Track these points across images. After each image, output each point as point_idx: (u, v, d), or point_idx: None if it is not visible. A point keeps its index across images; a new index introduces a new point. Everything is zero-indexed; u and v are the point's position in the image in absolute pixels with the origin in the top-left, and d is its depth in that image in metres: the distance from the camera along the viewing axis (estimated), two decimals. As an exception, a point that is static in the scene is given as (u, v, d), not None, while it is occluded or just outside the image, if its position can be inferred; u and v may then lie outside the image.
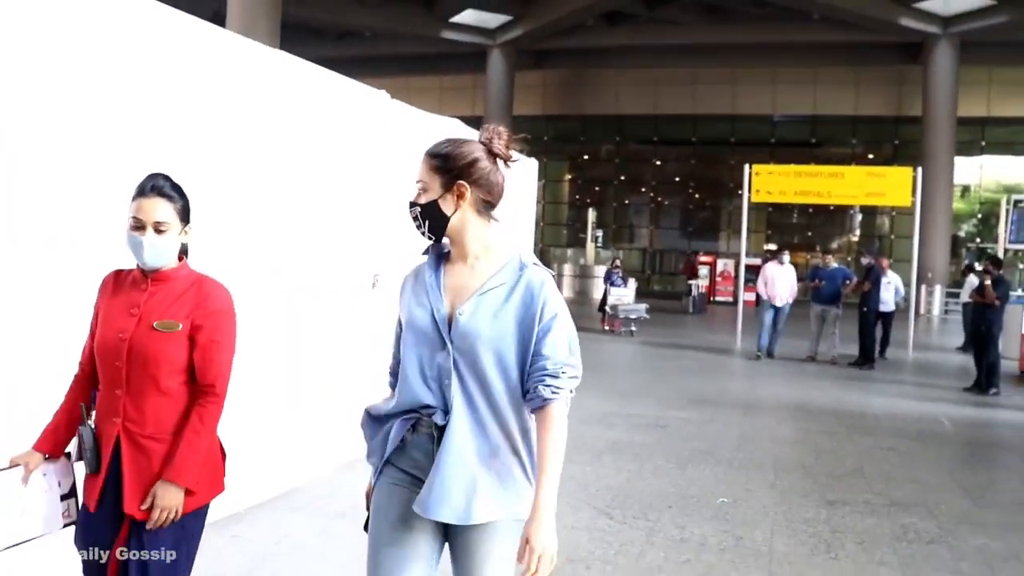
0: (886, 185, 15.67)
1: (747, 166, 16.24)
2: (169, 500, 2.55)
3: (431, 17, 34.43)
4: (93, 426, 2.66)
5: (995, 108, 34.71)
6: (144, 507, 2.56)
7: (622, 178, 41.93)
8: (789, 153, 38.79)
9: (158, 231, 2.59)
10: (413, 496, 2.23)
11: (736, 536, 5.00)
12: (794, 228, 39.85)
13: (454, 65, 38.36)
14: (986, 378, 11.21)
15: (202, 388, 2.65)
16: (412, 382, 2.25)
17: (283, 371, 5.23)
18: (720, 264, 31.84)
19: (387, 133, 6.23)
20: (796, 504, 5.75)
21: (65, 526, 2.72)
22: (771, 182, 16.19)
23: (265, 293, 4.99)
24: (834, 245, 39.34)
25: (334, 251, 5.78)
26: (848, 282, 14.08)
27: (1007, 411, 10.17)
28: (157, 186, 2.62)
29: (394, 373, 2.40)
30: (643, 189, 41.60)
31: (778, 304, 14.34)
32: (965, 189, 38.62)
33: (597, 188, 42.98)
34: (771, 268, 14.64)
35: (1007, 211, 24.50)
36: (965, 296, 16.17)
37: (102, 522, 2.60)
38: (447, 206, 2.26)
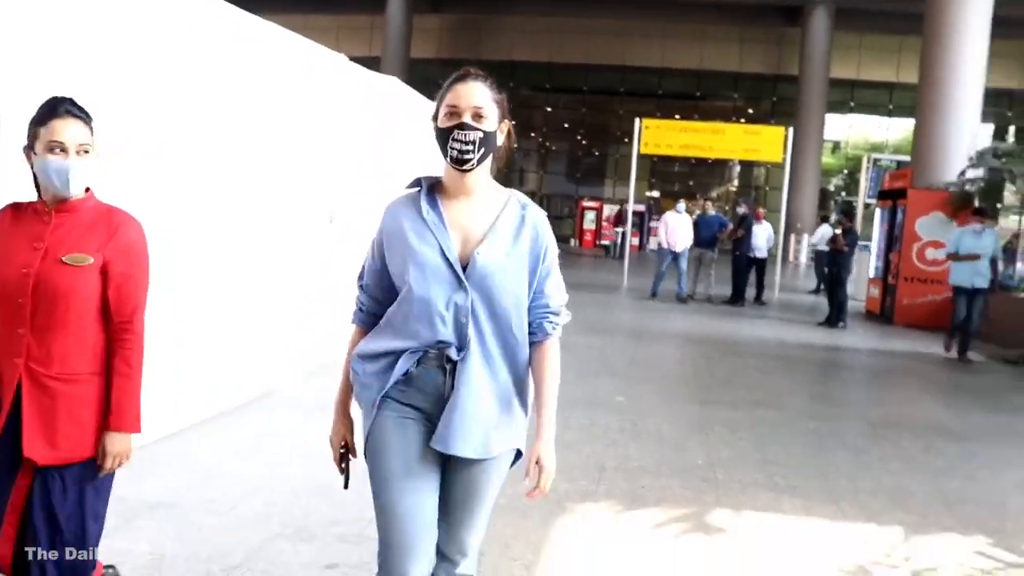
0: (761, 142, 17.41)
1: (637, 120, 17.68)
2: (119, 447, 2.52)
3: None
4: None
5: (864, 72, 37.25)
6: (103, 467, 2.53)
7: (513, 123, 42.99)
8: (675, 105, 40.86)
9: (81, 153, 2.46)
10: (423, 429, 2.26)
11: (632, 423, 6.39)
12: (676, 176, 41.97)
13: (353, 5, 38.52)
14: (836, 314, 13.06)
15: (119, 325, 2.54)
16: (425, 319, 2.22)
17: (253, 292, 6.24)
18: (606, 209, 33.62)
19: (339, 87, 7.30)
20: (678, 403, 7.21)
21: None
22: (659, 135, 17.68)
23: (237, 228, 5.90)
24: (713, 194, 41.78)
25: (297, 191, 6.81)
26: (724, 229, 15.75)
27: (850, 339, 12.04)
28: (70, 108, 2.48)
29: (370, 311, 2.40)
30: (533, 135, 42.77)
31: (677, 250, 15.21)
32: (836, 145, 41.46)
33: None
34: (671, 217, 15.48)
35: (867, 168, 26.86)
36: (820, 244, 18.05)
37: (1, 462, 2.47)
38: (499, 139, 2.30)
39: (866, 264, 15.60)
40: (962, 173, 14.39)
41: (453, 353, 2.22)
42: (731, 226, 16.14)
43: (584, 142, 43.16)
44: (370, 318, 2.38)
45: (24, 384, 2.43)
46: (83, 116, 2.48)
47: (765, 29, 37.07)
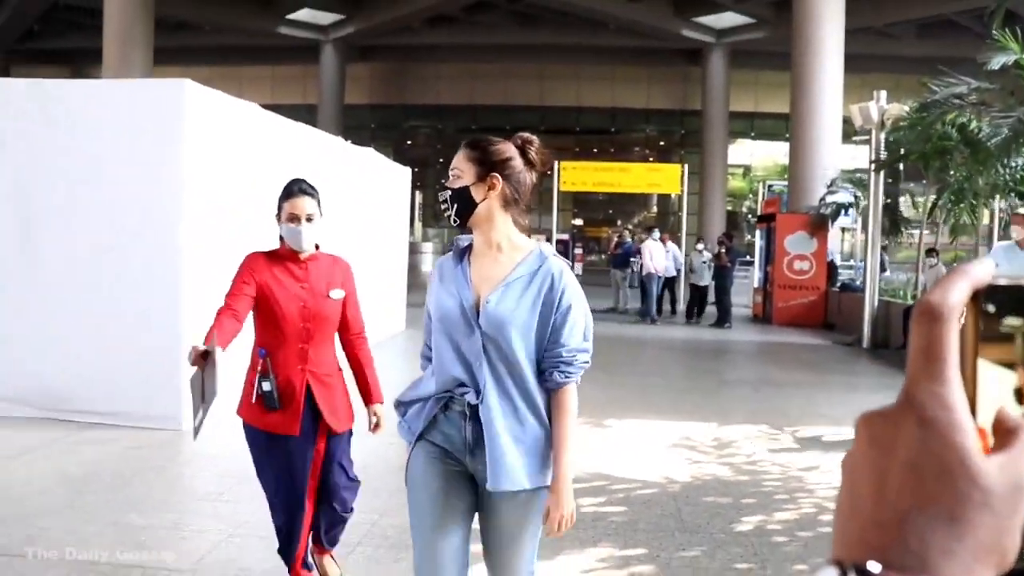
0: (661, 177, 20.64)
1: (555, 163, 20.65)
2: (381, 412, 3.48)
3: (268, 14, 37.11)
4: (274, 377, 3.28)
5: (761, 104, 41.09)
6: (374, 430, 3.54)
7: (441, 161, 45.91)
8: (591, 140, 44.36)
9: (309, 220, 3.27)
10: (447, 467, 2.42)
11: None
12: (599, 206, 45.19)
13: (287, 56, 40.93)
14: (722, 317, 16.12)
15: (356, 335, 3.51)
16: (446, 365, 2.40)
17: None
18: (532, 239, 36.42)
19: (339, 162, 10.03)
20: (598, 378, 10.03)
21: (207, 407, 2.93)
22: (575, 175, 20.74)
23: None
24: (636, 220, 45.27)
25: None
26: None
27: (732, 335, 15.12)
28: (303, 187, 3.31)
29: (427, 358, 2.57)
30: (464, 172, 45.47)
31: (662, 275, 16.82)
32: (747, 170, 45.25)
33: (417, 170, 46.71)
34: (651, 245, 16.95)
35: (762, 193, 30.44)
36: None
37: (301, 443, 3.33)
38: (477, 194, 2.39)
39: (751, 278, 18.83)
40: (822, 199, 17.68)
41: (472, 397, 2.35)
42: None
43: (510, 177, 46.01)
44: (428, 363, 2.57)
45: (311, 382, 3.32)
46: (311, 192, 3.34)
47: (670, 69, 40.72)
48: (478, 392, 2.34)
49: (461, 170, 2.41)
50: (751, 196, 44.88)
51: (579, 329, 2.39)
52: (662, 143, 44.92)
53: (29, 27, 40.21)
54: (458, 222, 2.41)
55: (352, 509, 3.62)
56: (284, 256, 3.32)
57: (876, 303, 13.67)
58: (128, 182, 6.52)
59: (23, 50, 41.68)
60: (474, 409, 2.34)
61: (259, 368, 3.25)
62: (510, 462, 2.31)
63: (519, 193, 2.43)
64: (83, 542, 4.05)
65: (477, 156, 2.41)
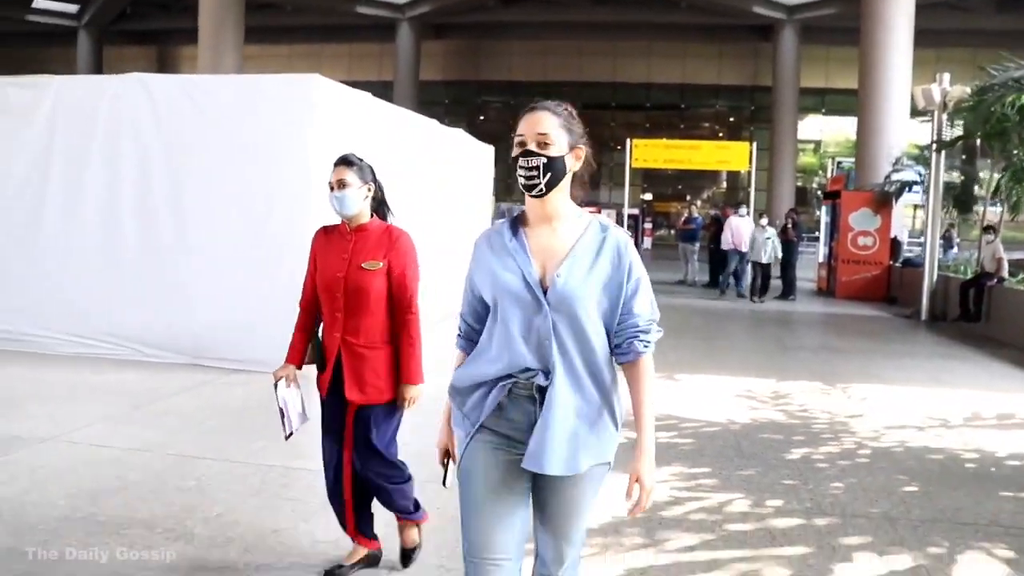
0: (730, 155, 21.34)
1: (628, 140, 21.50)
2: (412, 393, 3.41)
3: (349, -7, 38.41)
4: (320, 339, 3.48)
5: (832, 80, 41.10)
6: (403, 408, 3.44)
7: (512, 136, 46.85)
8: (661, 116, 44.87)
9: (342, 187, 3.35)
10: (511, 458, 2.31)
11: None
12: (668, 181, 45.71)
13: (364, 35, 42.24)
14: (787, 289, 16.82)
15: (401, 308, 3.40)
16: (510, 345, 2.28)
17: None
18: (603, 213, 37.33)
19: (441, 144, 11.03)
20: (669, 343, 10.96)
21: (305, 421, 3.56)
22: (646, 152, 21.57)
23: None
24: (705, 196, 45.75)
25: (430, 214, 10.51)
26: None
27: (797, 307, 15.84)
28: (342, 157, 3.46)
29: (467, 337, 2.49)
30: (535, 147, 46.48)
31: (743, 250, 16.66)
32: (817, 145, 45.35)
33: (492, 146, 47.77)
34: (735, 220, 16.98)
35: (832, 169, 30.80)
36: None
37: (333, 405, 3.43)
38: (570, 164, 2.29)
39: (817, 253, 19.46)
40: (887, 176, 18.20)
41: (541, 379, 2.25)
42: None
43: (582, 154, 46.84)
44: (469, 344, 2.47)
45: (342, 350, 3.37)
46: (349, 161, 3.44)
47: (741, 45, 40.97)
48: (547, 373, 2.25)
49: (552, 137, 2.27)
50: (821, 172, 45.04)
51: (649, 298, 2.35)
52: (732, 119, 45.23)
53: (122, 10, 42.09)
54: (543, 192, 2.27)
55: (388, 479, 3.49)
56: (339, 227, 3.50)
57: (935, 278, 14.27)
58: (265, 163, 7.62)
59: (115, 31, 43.61)
60: (543, 391, 2.26)
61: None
62: (571, 446, 2.25)
63: (588, 166, 2.39)
64: (260, 451, 5.16)
65: (566, 124, 2.31)
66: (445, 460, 2.54)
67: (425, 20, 40.49)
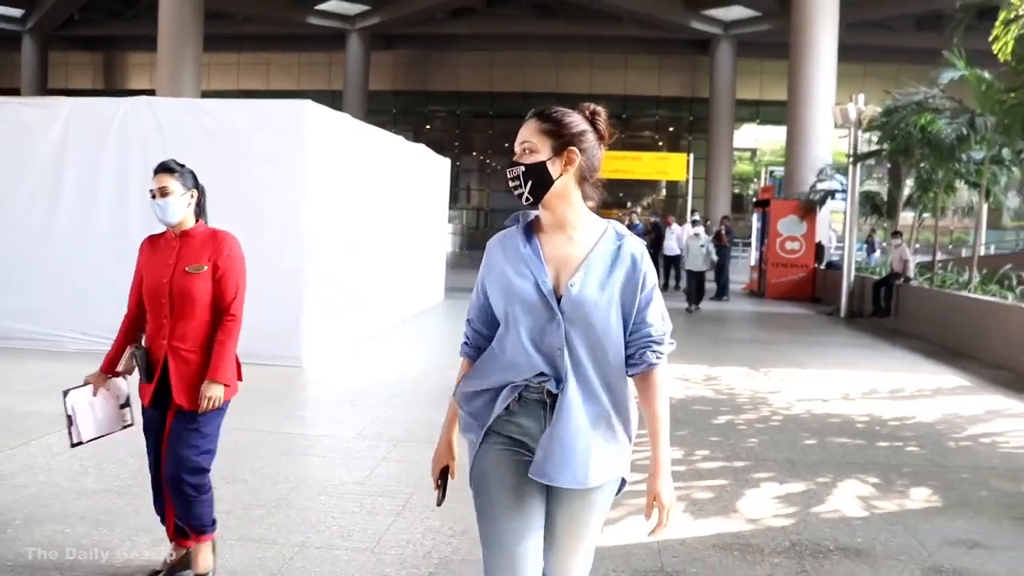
0: (668, 166, 22.92)
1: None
2: (213, 392, 3.36)
3: (299, 5, 39.11)
4: (145, 348, 3.44)
5: (766, 93, 42.89)
6: (200, 406, 3.34)
7: (456, 145, 47.81)
8: (605, 125, 46.15)
9: (163, 195, 3.35)
10: (522, 462, 2.24)
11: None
12: (608, 188, 46.73)
13: (313, 44, 42.80)
14: (721, 291, 18.22)
15: (223, 310, 3.42)
16: (522, 352, 2.21)
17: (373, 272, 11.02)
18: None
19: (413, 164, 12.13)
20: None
21: (123, 427, 3.59)
22: (591, 162, 22.74)
23: (373, 239, 10.81)
24: (645, 203, 47.34)
25: (395, 221, 11.61)
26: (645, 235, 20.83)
27: (729, 307, 17.25)
28: (161, 164, 3.43)
29: (474, 344, 2.41)
30: (479, 156, 47.76)
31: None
32: (753, 153, 47.19)
33: (448, 158, 48.81)
34: (677, 229, 19.47)
35: (764, 177, 32.52)
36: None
37: (157, 415, 3.43)
38: (554, 169, 2.22)
39: (749, 256, 20.95)
40: (812, 186, 19.72)
41: (552, 386, 2.20)
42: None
43: (524, 162, 48.09)
44: (475, 351, 2.40)
45: (169, 356, 3.37)
46: (168, 168, 3.42)
47: (680, 58, 42.60)
48: (558, 381, 2.20)
49: (534, 143, 2.23)
50: (756, 180, 46.90)
51: (662, 310, 2.30)
52: (671, 128, 46.85)
53: (70, 15, 42.16)
54: (531, 200, 2.23)
55: (196, 488, 3.39)
56: (166, 235, 3.50)
57: (852, 279, 15.77)
58: (263, 178, 8.62)
59: (62, 36, 43.60)
60: (554, 398, 2.20)
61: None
62: (582, 459, 2.19)
63: (593, 168, 2.28)
64: (276, 424, 6.23)
65: (551, 128, 2.24)
66: (441, 478, 2.45)
67: (375, 31, 41.35)
